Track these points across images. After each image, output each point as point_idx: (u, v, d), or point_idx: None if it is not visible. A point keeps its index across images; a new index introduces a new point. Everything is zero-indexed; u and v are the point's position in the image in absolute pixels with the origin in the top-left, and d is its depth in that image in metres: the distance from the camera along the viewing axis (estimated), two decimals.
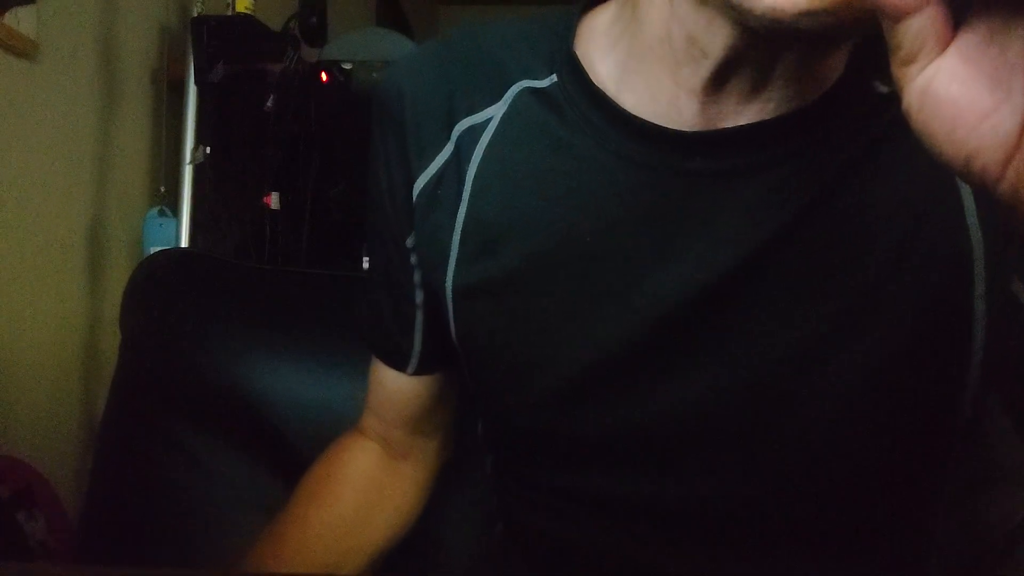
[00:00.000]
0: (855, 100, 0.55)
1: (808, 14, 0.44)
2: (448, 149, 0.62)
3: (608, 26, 0.60)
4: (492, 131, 0.61)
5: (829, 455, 0.58)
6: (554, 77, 0.60)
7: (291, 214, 2.05)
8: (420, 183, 0.63)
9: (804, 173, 0.54)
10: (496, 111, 0.61)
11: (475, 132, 0.61)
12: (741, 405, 0.57)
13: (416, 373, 0.71)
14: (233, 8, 1.91)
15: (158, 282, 0.94)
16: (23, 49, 1.56)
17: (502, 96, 0.61)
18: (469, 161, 0.61)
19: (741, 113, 0.54)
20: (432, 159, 0.62)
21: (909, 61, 0.34)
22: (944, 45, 0.34)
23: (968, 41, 0.34)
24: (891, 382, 0.56)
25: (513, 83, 0.61)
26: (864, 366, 0.55)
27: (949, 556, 0.65)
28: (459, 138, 0.61)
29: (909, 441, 0.59)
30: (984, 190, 0.34)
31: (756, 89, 0.54)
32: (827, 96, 0.55)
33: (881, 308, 0.54)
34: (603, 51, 0.59)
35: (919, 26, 0.33)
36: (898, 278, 0.54)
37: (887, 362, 0.55)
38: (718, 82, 0.54)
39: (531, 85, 0.61)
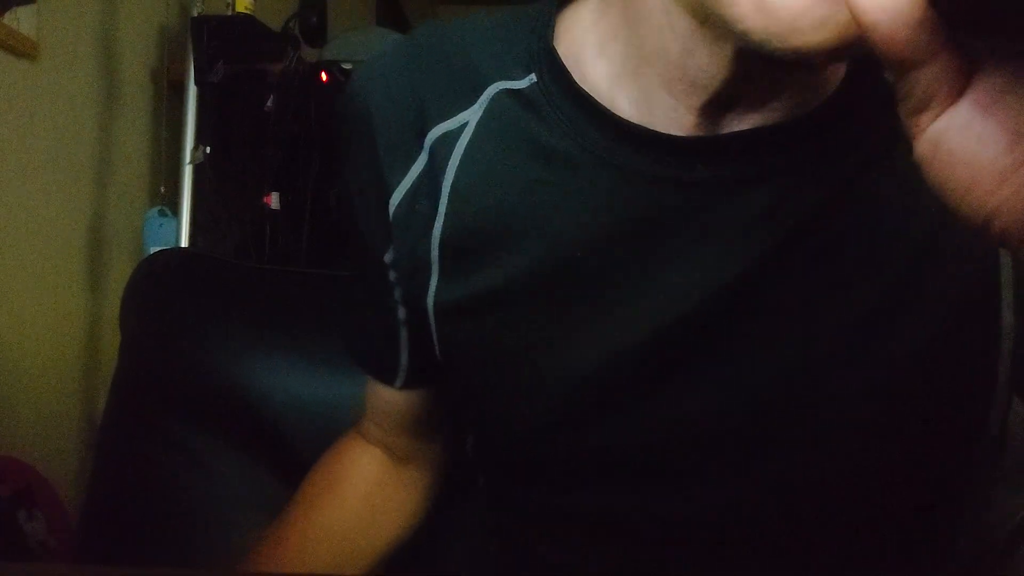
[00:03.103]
0: (866, 98, 0.51)
1: (801, 50, 0.40)
2: (422, 159, 0.58)
3: (593, 22, 0.55)
4: (468, 138, 0.56)
5: (838, 469, 0.55)
6: (532, 77, 0.55)
7: (291, 214, 2.05)
8: (395, 198, 0.59)
9: (814, 177, 0.51)
10: (471, 116, 0.56)
11: (449, 139, 0.57)
12: (744, 422, 0.54)
13: (405, 387, 0.68)
14: (233, 8, 1.90)
15: (158, 282, 0.94)
16: (23, 49, 1.56)
17: (477, 99, 0.56)
18: (444, 170, 0.56)
19: (743, 119, 0.51)
20: (406, 171, 0.58)
21: (920, 110, 0.32)
22: (958, 95, 0.31)
23: (984, 91, 0.31)
24: (909, 394, 0.53)
25: (488, 84, 0.56)
26: (879, 379, 0.52)
27: (950, 556, 0.65)
28: (432, 146, 0.57)
29: (928, 456, 0.56)
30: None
31: (759, 103, 0.51)
32: (834, 98, 0.52)
33: (897, 317, 0.52)
34: (593, 52, 0.54)
35: (930, 76, 0.31)
36: (916, 286, 0.51)
37: (904, 373, 0.52)
38: (718, 103, 0.50)
39: (508, 86, 0.56)
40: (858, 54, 0.40)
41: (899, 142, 0.51)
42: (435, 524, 0.77)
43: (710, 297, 0.52)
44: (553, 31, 0.56)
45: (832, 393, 0.53)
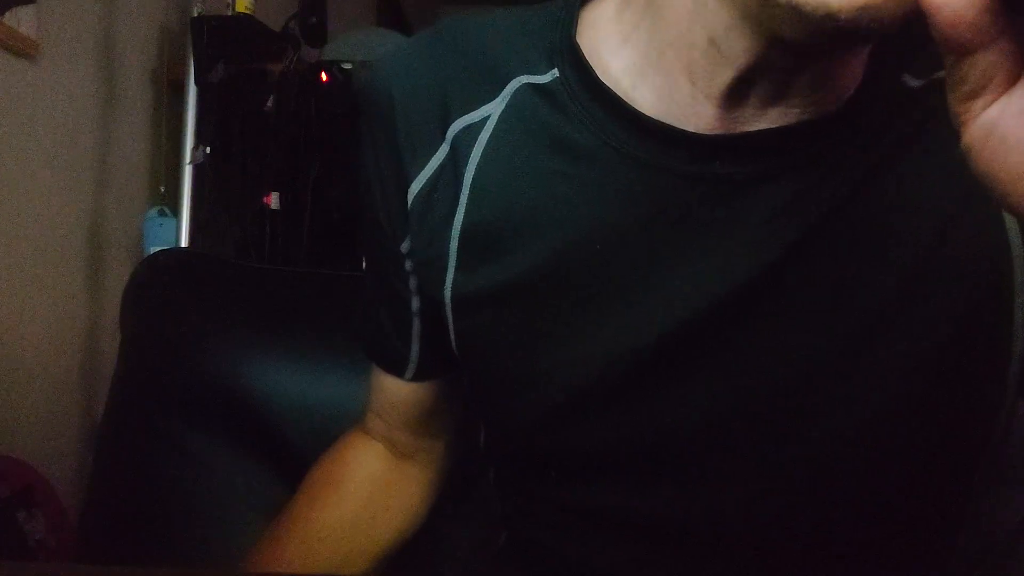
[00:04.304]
0: (882, 99, 0.52)
1: (866, 8, 0.40)
2: (443, 150, 0.58)
3: (616, 15, 0.56)
4: (490, 130, 0.57)
5: (847, 468, 0.55)
6: (555, 72, 0.56)
7: (291, 214, 2.05)
8: (415, 188, 0.59)
9: (830, 177, 0.51)
10: (494, 108, 0.57)
11: (472, 131, 0.57)
12: (759, 420, 0.55)
13: (414, 379, 0.69)
14: (233, 8, 1.91)
15: (158, 282, 0.94)
16: (23, 49, 1.56)
17: (500, 92, 0.57)
18: (466, 163, 0.57)
19: (762, 117, 0.52)
20: (427, 162, 0.59)
21: (973, 96, 0.32)
22: (1013, 81, 0.31)
23: None
24: (922, 394, 0.53)
25: (511, 78, 0.57)
26: (892, 378, 0.53)
27: (953, 555, 0.64)
28: (455, 138, 0.58)
29: (940, 455, 0.56)
30: None
31: (779, 95, 0.51)
32: (853, 99, 0.52)
33: (911, 317, 0.52)
34: (615, 44, 0.55)
35: (987, 61, 0.31)
36: (929, 284, 0.52)
37: (917, 373, 0.53)
38: (739, 89, 0.51)
39: (531, 80, 0.57)
40: (897, 21, 0.41)
41: (915, 144, 0.52)
42: (444, 513, 0.77)
43: (725, 293, 0.52)
44: (576, 26, 0.57)
45: (844, 393, 0.54)
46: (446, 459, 0.76)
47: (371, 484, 0.73)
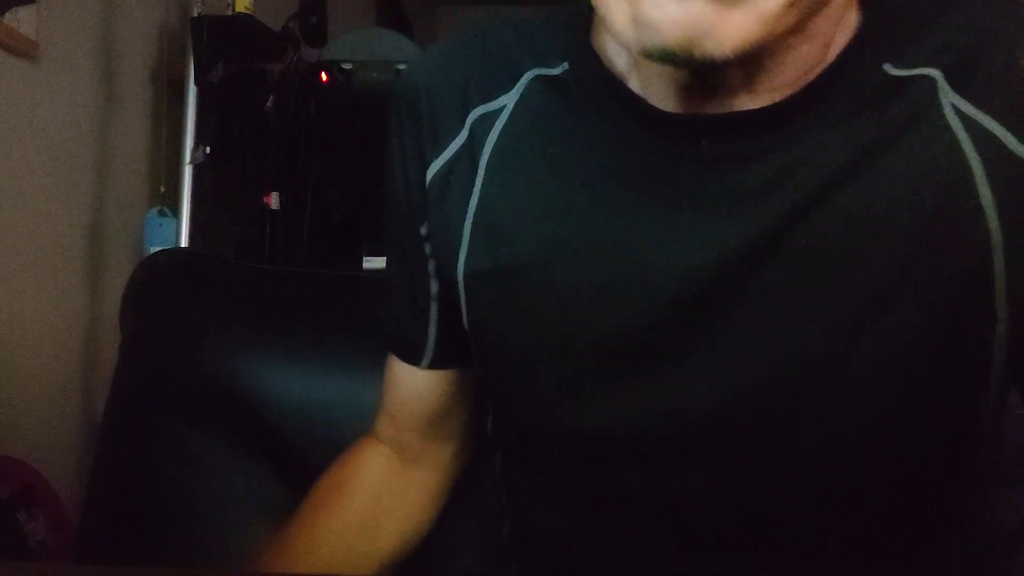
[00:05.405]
0: (862, 82, 0.54)
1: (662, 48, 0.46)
2: (463, 135, 0.63)
3: None
4: (505, 118, 0.62)
5: (846, 468, 0.56)
6: (566, 65, 0.61)
7: (291, 214, 2.06)
8: (433, 169, 0.64)
9: (814, 157, 0.54)
10: (509, 99, 0.62)
11: (489, 119, 0.62)
12: (755, 416, 0.56)
13: (430, 367, 0.70)
14: (233, 8, 1.91)
15: (158, 282, 0.94)
16: (23, 49, 1.56)
17: (515, 84, 0.62)
18: (483, 148, 0.62)
19: (729, 100, 0.54)
20: (446, 145, 0.64)
21: None
22: None
23: None
24: (909, 378, 0.54)
25: (526, 71, 0.62)
26: (880, 362, 0.54)
27: (951, 554, 0.65)
28: (473, 125, 0.63)
29: (932, 441, 0.57)
30: None
31: (734, 88, 0.54)
32: (826, 78, 0.54)
33: (898, 306, 0.53)
34: (614, 41, 0.58)
35: None
36: (914, 271, 0.53)
37: (904, 358, 0.54)
38: (689, 88, 0.54)
39: (543, 72, 0.62)
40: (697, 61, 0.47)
41: (902, 135, 0.53)
42: (449, 507, 0.78)
43: (718, 271, 0.54)
44: (592, 26, 0.61)
45: (834, 387, 0.54)
46: (453, 466, 0.76)
47: (377, 489, 0.74)
